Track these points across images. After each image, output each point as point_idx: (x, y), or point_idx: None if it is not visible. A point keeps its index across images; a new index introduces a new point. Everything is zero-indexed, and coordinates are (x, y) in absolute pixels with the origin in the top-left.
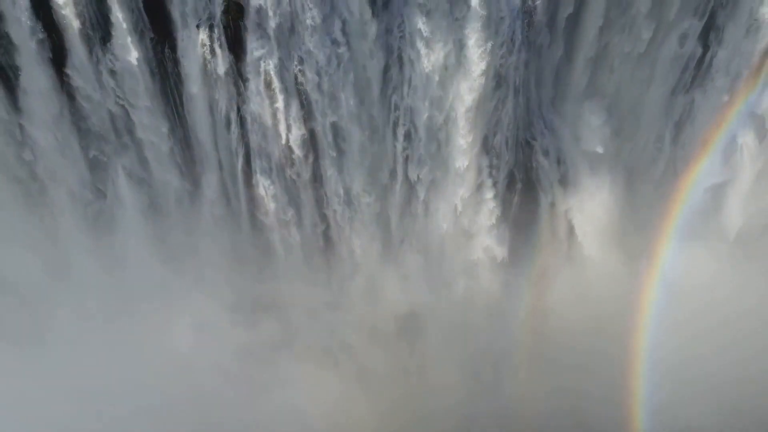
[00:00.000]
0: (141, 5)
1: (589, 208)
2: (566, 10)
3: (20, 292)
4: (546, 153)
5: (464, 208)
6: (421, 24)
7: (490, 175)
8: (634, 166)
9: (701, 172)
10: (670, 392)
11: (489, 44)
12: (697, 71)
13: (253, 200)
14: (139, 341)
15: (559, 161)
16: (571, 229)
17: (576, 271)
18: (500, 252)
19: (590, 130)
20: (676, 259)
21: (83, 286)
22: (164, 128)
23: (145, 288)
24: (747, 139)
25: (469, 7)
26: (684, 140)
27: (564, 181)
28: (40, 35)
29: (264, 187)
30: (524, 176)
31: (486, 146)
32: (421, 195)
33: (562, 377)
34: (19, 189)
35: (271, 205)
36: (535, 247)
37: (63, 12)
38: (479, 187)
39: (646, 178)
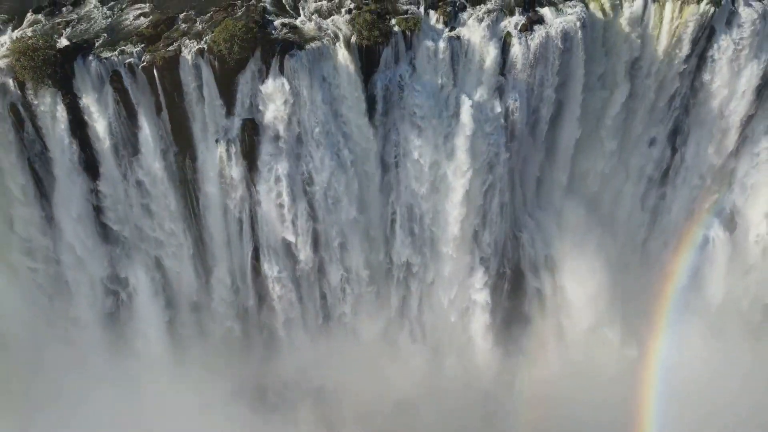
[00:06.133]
0: (168, 126)
1: (575, 294)
2: (545, 120)
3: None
4: (532, 244)
5: (458, 295)
6: (414, 134)
7: (481, 265)
8: (616, 253)
9: (680, 259)
10: None
11: (476, 151)
12: (667, 170)
13: (260, 290)
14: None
15: (544, 251)
16: (559, 313)
17: (568, 352)
18: (493, 336)
19: (572, 222)
20: (668, 340)
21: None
22: (181, 227)
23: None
24: (718, 232)
25: (458, 119)
26: (661, 231)
27: (550, 269)
28: (76, 148)
29: (271, 278)
30: (513, 265)
31: (476, 239)
32: (417, 284)
33: None
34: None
35: (277, 294)
36: (527, 332)
37: (97, 129)
38: (471, 276)
39: (628, 265)
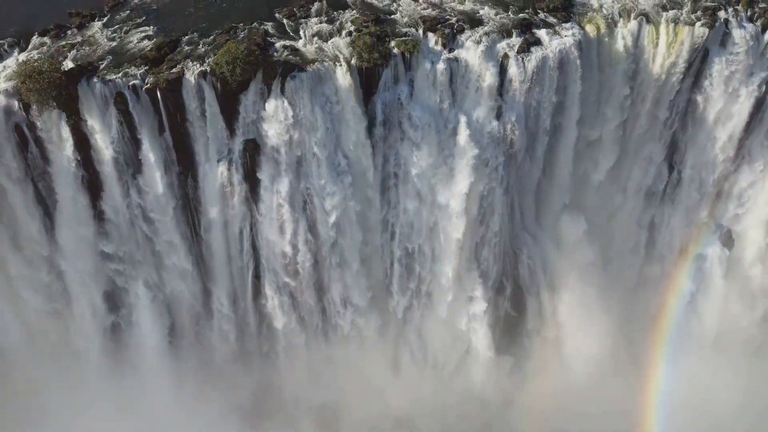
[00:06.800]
0: (171, 147)
1: (572, 309)
2: (542, 138)
3: None
4: (531, 261)
5: (457, 313)
6: (413, 155)
7: (481, 283)
8: (614, 272)
9: (678, 278)
10: None
11: (475, 171)
12: (664, 189)
13: (260, 308)
14: None
15: (543, 268)
16: (557, 329)
17: (567, 369)
18: (492, 353)
19: (570, 239)
20: (670, 358)
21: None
22: (183, 246)
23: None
24: (715, 249)
25: (456, 140)
26: (658, 249)
27: (549, 285)
28: (79, 168)
29: (271, 296)
30: (512, 283)
31: (476, 258)
32: (416, 301)
33: None
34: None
35: (277, 312)
36: (526, 348)
37: (101, 150)
38: (471, 294)
39: (626, 282)
